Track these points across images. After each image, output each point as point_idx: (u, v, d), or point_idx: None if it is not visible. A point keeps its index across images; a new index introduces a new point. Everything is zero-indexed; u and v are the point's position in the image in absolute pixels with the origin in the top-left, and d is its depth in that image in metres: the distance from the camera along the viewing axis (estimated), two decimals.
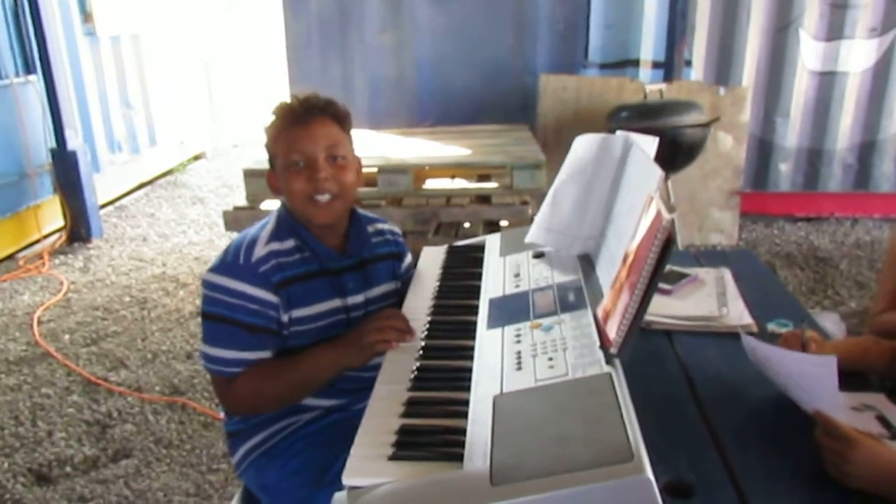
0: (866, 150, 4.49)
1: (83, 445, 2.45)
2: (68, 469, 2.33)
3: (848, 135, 4.46)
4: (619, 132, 1.40)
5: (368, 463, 0.93)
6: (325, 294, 1.37)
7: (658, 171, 1.15)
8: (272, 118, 1.38)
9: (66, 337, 3.26)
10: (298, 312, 1.34)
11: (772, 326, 1.46)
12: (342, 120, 1.38)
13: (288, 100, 1.38)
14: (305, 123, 1.33)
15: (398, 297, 1.49)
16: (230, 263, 1.32)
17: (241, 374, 1.30)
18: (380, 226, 1.53)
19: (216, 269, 1.33)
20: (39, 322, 3.42)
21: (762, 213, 4.61)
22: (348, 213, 1.44)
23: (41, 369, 2.98)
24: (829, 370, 1.07)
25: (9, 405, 2.70)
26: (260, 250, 1.33)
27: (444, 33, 4.46)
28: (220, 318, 1.30)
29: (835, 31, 4.26)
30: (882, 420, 1.15)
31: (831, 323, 1.82)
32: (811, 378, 1.12)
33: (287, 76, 4.66)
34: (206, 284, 1.32)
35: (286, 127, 1.35)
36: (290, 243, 1.37)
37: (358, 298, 1.42)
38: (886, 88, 4.34)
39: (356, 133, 1.44)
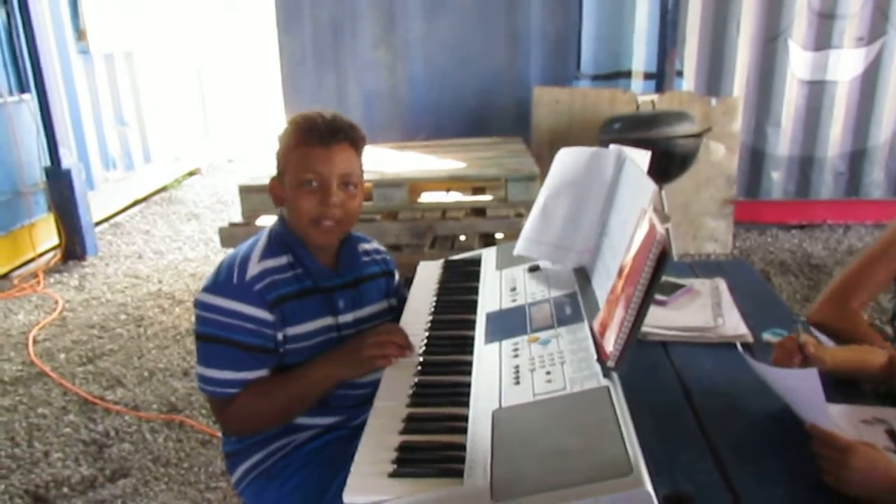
0: (856, 158, 4.53)
1: (80, 466, 2.44)
2: (66, 490, 2.32)
3: (838, 143, 4.50)
4: (612, 146, 1.41)
5: (369, 480, 0.93)
6: (317, 312, 1.37)
7: (651, 185, 1.16)
8: (290, 127, 1.34)
9: (62, 356, 3.25)
10: (292, 330, 1.34)
11: (767, 336, 1.46)
12: (359, 146, 1.37)
13: (311, 113, 1.34)
14: (326, 145, 1.31)
15: (389, 315, 1.49)
16: (223, 283, 1.30)
17: (238, 394, 1.30)
18: (366, 245, 1.53)
19: (209, 288, 1.31)
20: (34, 341, 3.40)
21: (755, 221, 4.64)
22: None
23: (37, 389, 2.96)
24: (812, 383, 1.07)
25: (4, 426, 2.68)
26: (254, 268, 1.32)
27: (437, 48, 4.49)
28: (215, 339, 1.29)
29: (823, 40, 4.31)
30: (891, 434, 1.15)
31: None
32: (798, 392, 1.13)
33: (281, 91, 4.68)
34: (200, 305, 1.31)
35: (305, 143, 1.31)
36: (283, 260, 1.36)
37: (348, 317, 1.41)
38: (874, 97, 4.39)
39: None
